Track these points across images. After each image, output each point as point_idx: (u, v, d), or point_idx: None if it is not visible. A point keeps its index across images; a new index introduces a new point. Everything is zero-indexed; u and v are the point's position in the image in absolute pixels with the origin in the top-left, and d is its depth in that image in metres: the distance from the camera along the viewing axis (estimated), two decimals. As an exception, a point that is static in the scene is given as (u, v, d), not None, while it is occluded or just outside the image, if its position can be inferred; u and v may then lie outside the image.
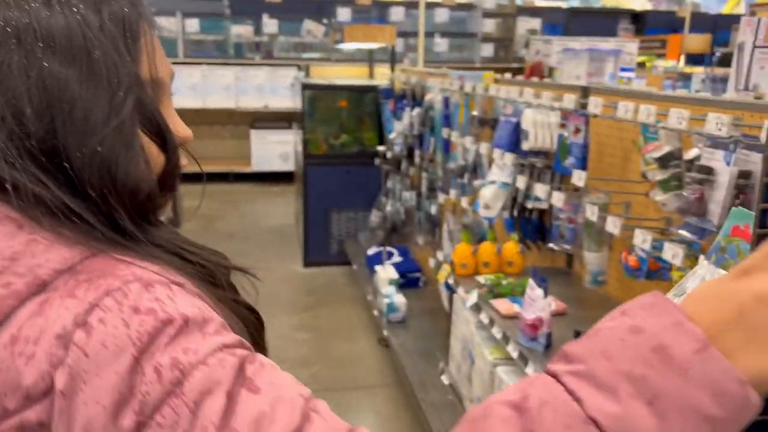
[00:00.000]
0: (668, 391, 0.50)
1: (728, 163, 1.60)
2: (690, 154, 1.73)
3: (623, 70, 3.70)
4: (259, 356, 0.62)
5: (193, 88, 7.63)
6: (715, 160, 1.62)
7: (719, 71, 4.84)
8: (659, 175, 1.78)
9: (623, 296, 2.30)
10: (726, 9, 7.40)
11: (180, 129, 0.76)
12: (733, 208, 0.95)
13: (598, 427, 0.50)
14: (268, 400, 0.56)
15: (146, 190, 0.67)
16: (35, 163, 0.61)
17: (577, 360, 0.54)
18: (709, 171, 1.63)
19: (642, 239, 1.75)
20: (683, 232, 1.72)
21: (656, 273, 1.88)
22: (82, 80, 0.62)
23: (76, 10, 0.63)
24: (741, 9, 7.11)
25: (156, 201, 0.70)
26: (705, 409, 0.50)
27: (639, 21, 7.39)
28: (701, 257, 0.98)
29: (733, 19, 5.60)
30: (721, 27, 6.56)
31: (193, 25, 7.69)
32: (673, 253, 1.60)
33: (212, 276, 0.73)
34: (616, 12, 7.68)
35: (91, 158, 0.62)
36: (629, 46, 4.15)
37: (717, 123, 1.43)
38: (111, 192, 0.63)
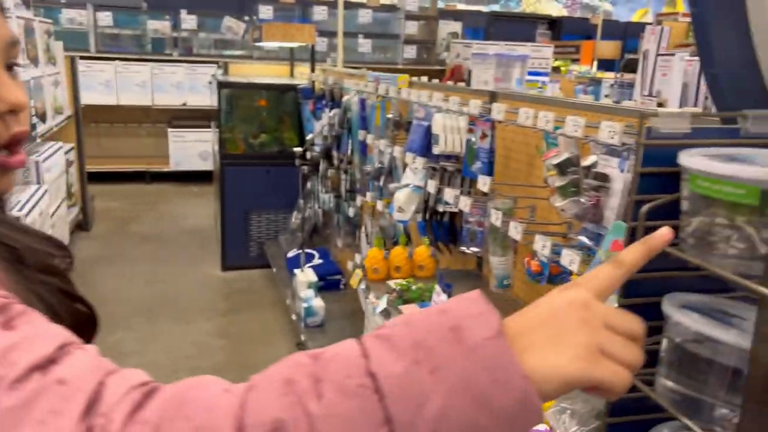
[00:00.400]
0: (451, 366, 0.52)
1: (622, 170, 1.64)
2: (588, 160, 1.76)
3: (537, 74, 3.79)
4: (31, 311, 0.58)
5: (106, 84, 7.31)
6: (610, 167, 1.66)
7: (627, 77, 5.03)
8: (558, 181, 1.80)
9: (529, 299, 2.34)
10: (635, 17, 7.73)
11: (4, 91, 0.68)
12: (614, 221, 0.96)
13: (376, 381, 0.51)
14: (22, 335, 0.54)
15: None
16: None
17: (385, 326, 0.56)
18: (604, 178, 1.66)
19: (542, 245, 1.77)
20: (581, 238, 1.75)
21: (558, 277, 1.91)
22: None
23: None
24: (649, 18, 7.44)
25: None
26: (482, 391, 0.51)
27: (555, 26, 7.61)
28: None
29: (642, 27, 5.85)
30: (630, 34, 6.84)
31: (106, 18, 7.37)
32: (570, 259, 1.63)
33: (20, 258, 0.69)
34: (534, 17, 7.89)
35: None
36: (544, 50, 4.25)
37: (610, 131, 1.45)
38: None
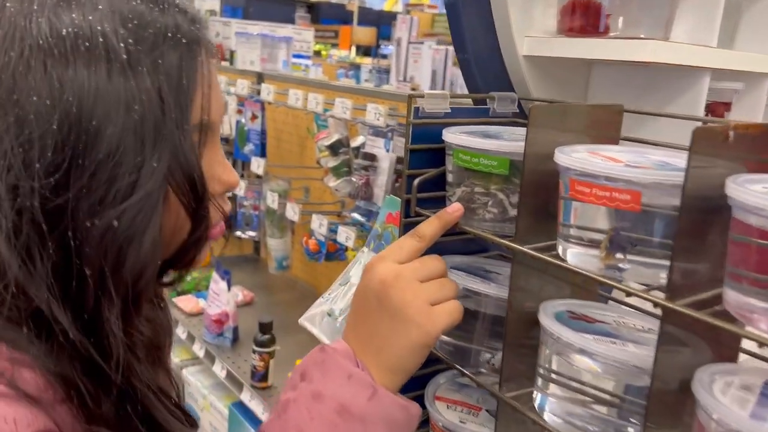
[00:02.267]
0: None
1: (387, 150, 1.76)
2: (357, 141, 1.86)
3: (300, 57, 3.84)
4: None
5: None
6: (377, 147, 1.77)
7: (384, 63, 5.34)
8: (331, 162, 1.87)
9: (308, 278, 2.40)
10: (387, 6, 8.21)
11: (225, 174, 0.64)
12: (387, 196, 1.03)
13: None
14: None
15: (149, 275, 0.55)
16: (32, 228, 0.50)
17: None
18: (372, 158, 1.77)
19: (319, 224, 1.82)
20: (354, 215, 1.84)
21: (334, 255, 1.99)
22: (114, 137, 0.51)
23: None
24: (399, 7, 7.95)
25: (150, 288, 0.57)
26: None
27: (314, 10, 7.76)
28: (364, 246, 1.04)
29: (393, 16, 6.24)
30: (384, 21, 7.25)
31: None
32: (346, 236, 1.70)
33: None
34: (293, 0, 7.96)
35: (103, 233, 0.51)
36: (305, 34, 4.32)
37: (375, 113, 1.55)
38: (111, 275, 0.52)
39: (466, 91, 0.89)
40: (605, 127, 0.71)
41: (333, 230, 1.88)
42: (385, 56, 6.18)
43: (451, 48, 4.56)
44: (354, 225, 1.83)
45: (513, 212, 0.74)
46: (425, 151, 0.80)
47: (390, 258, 0.68)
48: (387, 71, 4.86)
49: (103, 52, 0.51)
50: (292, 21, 7.55)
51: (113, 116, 0.51)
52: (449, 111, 0.79)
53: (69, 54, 0.50)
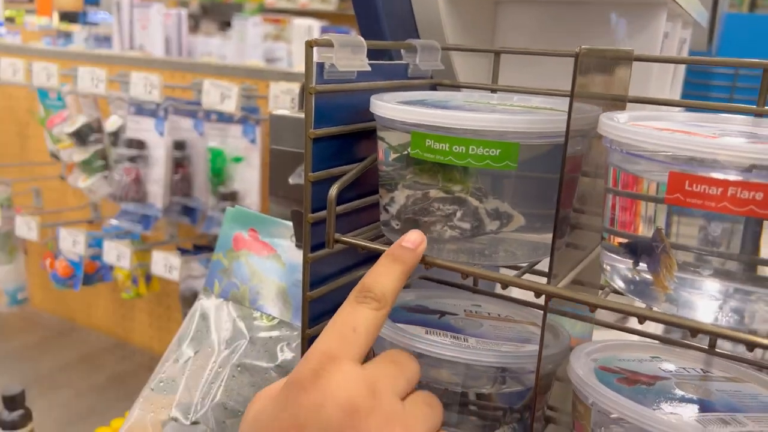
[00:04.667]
0: None
1: (161, 133, 1.35)
2: (112, 124, 1.40)
3: (-10, 23, 3.03)
4: None
5: None
6: (145, 130, 1.35)
7: (102, 30, 4.60)
8: (78, 155, 1.39)
9: (60, 310, 1.85)
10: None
11: None
12: (228, 208, 0.68)
13: None
14: None
15: None
16: None
17: None
18: (140, 145, 1.34)
19: (72, 240, 1.35)
20: (114, 222, 1.40)
21: (95, 276, 1.52)
22: None
23: None
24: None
25: None
26: None
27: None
28: (202, 295, 0.68)
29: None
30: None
31: None
32: (118, 254, 1.27)
33: None
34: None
35: None
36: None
37: (146, 85, 1.13)
38: None
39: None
40: (617, 83, 0.48)
41: (92, 245, 1.41)
42: (97, 24, 5.40)
43: (185, 11, 4.05)
44: (121, 237, 1.39)
45: (492, 225, 0.47)
46: (328, 137, 0.49)
47: (347, 356, 0.37)
48: (108, 39, 4.15)
49: None
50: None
51: None
52: (369, 69, 0.49)
53: None
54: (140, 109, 1.34)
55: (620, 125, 0.37)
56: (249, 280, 0.65)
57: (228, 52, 3.94)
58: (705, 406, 0.42)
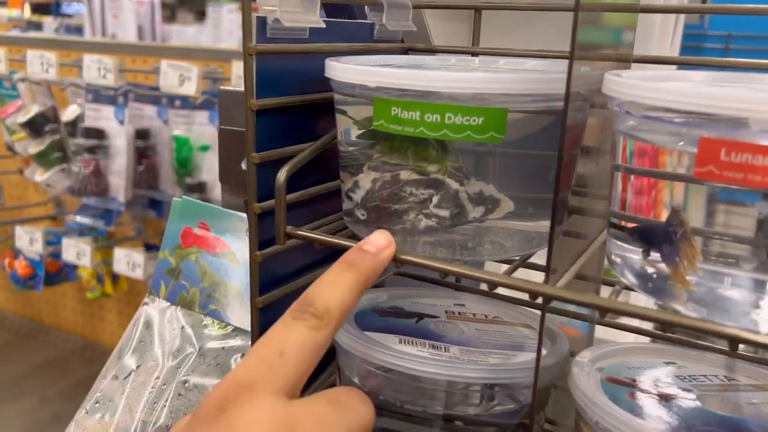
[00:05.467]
0: None
1: (121, 122, 1.25)
2: (69, 113, 1.30)
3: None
4: None
5: None
6: (105, 118, 1.26)
7: (74, 21, 4.48)
8: (33, 147, 1.29)
9: (25, 311, 1.75)
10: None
11: None
12: (175, 199, 0.59)
13: None
14: None
15: None
16: None
17: None
18: (99, 134, 1.25)
19: (30, 239, 1.25)
20: (80, 219, 1.31)
21: (58, 276, 1.42)
22: None
23: None
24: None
25: None
26: None
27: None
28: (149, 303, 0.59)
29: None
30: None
31: None
32: (77, 252, 1.18)
33: None
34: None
35: None
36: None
37: (100, 68, 1.04)
38: None
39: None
40: (622, 41, 0.40)
41: (53, 242, 1.32)
42: (70, 15, 5.26)
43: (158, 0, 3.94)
44: (85, 234, 1.30)
45: (475, 212, 0.39)
46: (276, 110, 0.40)
47: (266, 387, 0.29)
48: (79, 29, 4.03)
49: None
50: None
51: None
52: (323, 26, 0.40)
53: None
54: (98, 95, 1.25)
55: (636, 82, 0.29)
56: (200, 281, 0.56)
57: (203, 40, 3.83)
58: (738, 428, 0.34)
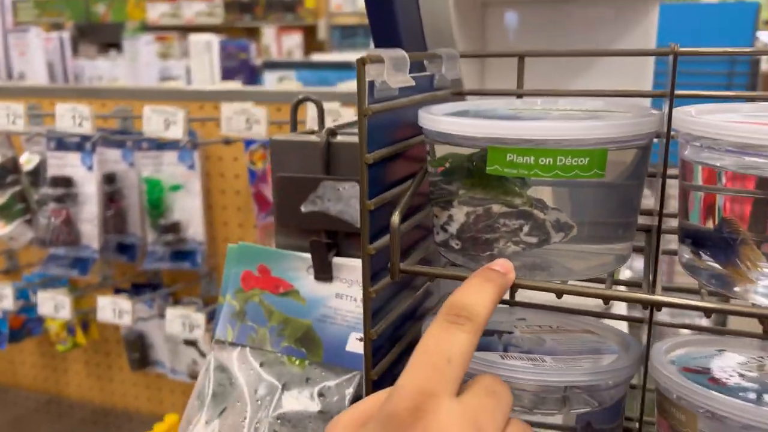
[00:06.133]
0: None
1: (90, 168, 1.23)
2: (27, 163, 1.27)
3: None
4: None
5: None
6: (71, 165, 1.23)
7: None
8: (-7, 200, 1.24)
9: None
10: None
11: None
12: (230, 245, 0.61)
13: None
14: None
15: None
16: None
17: None
18: (67, 182, 1.22)
19: (-2, 295, 1.21)
20: (49, 270, 1.27)
21: (23, 331, 1.37)
22: None
23: None
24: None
25: None
26: None
27: None
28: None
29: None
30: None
31: None
32: (55, 304, 1.15)
33: None
34: None
35: None
36: None
37: (75, 116, 1.03)
38: None
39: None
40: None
41: (23, 295, 1.28)
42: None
43: (66, 34, 3.80)
44: (47, 285, 1.27)
45: (557, 237, 0.45)
46: (381, 160, 0.45)
47: (445, 392, 0.34)
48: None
49: None
50: None
51: None
52: (413, 84, 0.45)
53: None
54: (61, 143, 1.22)
55: (724, 123, 0.36)
56: (267, 321, 0.59)
57: (120, 74, 3.73)
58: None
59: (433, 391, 0.33)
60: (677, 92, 0.43)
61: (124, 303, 1.15)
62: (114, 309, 1.14)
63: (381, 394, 0.37)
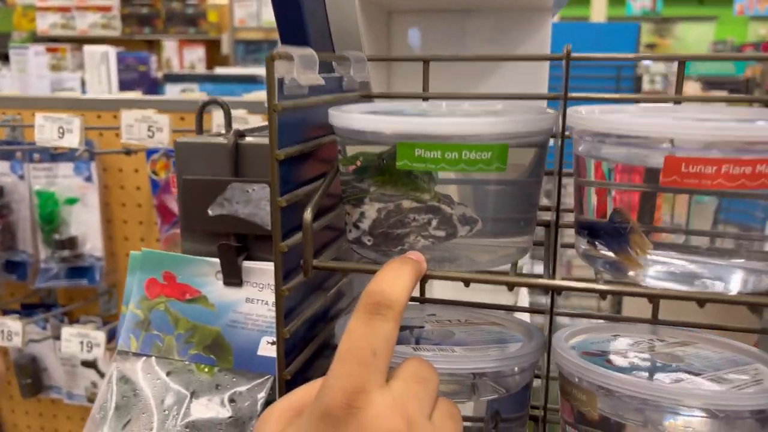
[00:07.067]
0: None
1: (21, 176, 1.18)
2: None
3: None
4: None
5: None
6: (3, 175, 1.17)
7: None
8: None
9: None
10: None
11: None
12: (132, 252, 0.59)
13: None
14: None
15: None
16: None
17: None
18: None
19: None
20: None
21: None
22: None
23: None
24: None
25: None
26: None
27: None
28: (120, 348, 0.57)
29: None
30: None
31: None
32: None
33: None
34: None
35: None
36: None
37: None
38: None
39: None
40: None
41: None
42: None
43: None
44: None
45: (463, 231, 0.47)
46: (291, 158, 0.45)
47: (374, 385, 0.34)
48: None
49: None
50: None
51: None
52: (323, 83, 0.46)
53: None
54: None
55: (613, 118, 0.39)
56: (173, 329, 0.57)
57: (5, 86, 3.50)
58: (690, 371, 0.45)
59: (363, 387, 0.34)
60: (570, 94, 0.46)
61: (13, 324, 1.07)
62: (2, 330, 1.06)
63: (313, 384, 0.37)
